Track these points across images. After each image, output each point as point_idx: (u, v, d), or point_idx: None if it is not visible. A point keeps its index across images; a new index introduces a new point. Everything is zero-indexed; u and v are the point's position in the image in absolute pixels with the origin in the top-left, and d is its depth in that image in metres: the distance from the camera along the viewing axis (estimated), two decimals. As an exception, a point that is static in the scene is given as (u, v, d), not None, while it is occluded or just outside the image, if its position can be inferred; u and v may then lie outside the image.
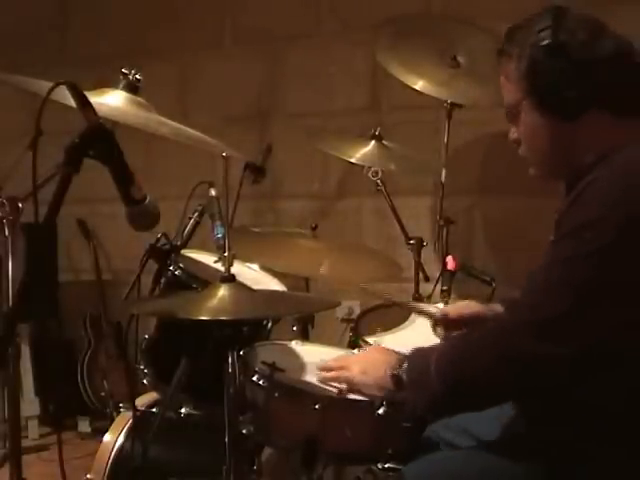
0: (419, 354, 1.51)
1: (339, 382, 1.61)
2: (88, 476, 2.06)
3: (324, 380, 1.64)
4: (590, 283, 1.32)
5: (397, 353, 1.59)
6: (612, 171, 1.37)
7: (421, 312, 2.02)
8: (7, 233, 1.49)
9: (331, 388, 1.61)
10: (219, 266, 1.73)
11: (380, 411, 1.53)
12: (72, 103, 1.39)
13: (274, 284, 2.23)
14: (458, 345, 1.49)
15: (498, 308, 1.80)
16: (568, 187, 1.46)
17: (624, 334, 1.33)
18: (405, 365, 1.50)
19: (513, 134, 1.54)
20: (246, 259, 2.21)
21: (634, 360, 1.36)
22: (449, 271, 2.50)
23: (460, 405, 1.47)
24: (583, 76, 1.39)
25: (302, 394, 1.60)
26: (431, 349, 1.49)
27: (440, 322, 1.85)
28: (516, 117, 1.50)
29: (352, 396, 1.59)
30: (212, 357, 1.79)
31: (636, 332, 1.33)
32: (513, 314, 1.44)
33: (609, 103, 1.42)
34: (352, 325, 2.24)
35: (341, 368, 1.63)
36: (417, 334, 2.08)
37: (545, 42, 1.40)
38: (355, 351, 1.88)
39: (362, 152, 2.58)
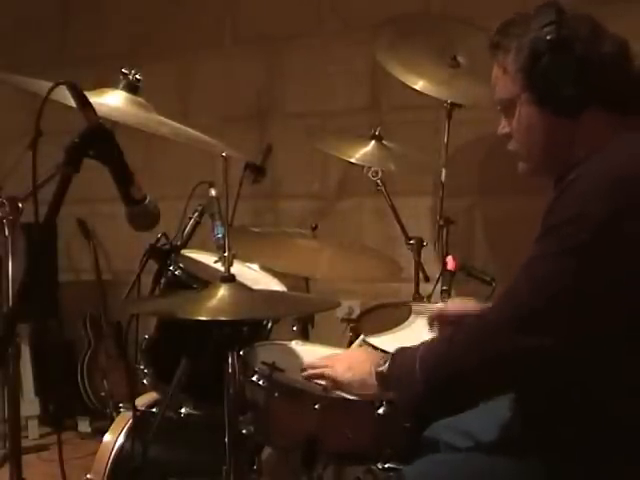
0: (403, 353, 1.51)
1: (323, 379, 1.60)
2: (88, 476, 2.06)
3: (308, 377, 1.63)
4: (573, 278, 1.32)
5: (381, 352, 1.59)
6: (596, 167, 1.37)
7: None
8: (7, 233, 1.49)
9: (316, 385, 1.61)
10: (219, 266, 1.73)
11: (380, 411, 1.53)
12: (72, 103, 1.39)
13: (274, 284, 2.23)
14: (442, 345, 1.48)
15: None
16: (556, 183, 1.46)
17: (610, 328, 1.33)
18: (388, 364, 1.50)
19: (504, 128, 1.54)
20: (246, 259, 2.21)
21: (631, 359, 1.36)
22: (449, 271, 2.50)
23: (445, 405, 1.47)
24: (585, 73, 1.39)
25: (302, 394, 1.60)
26: (416, 348, 1.48)
27: (436, 319, 1.84)
28: (510, 111, 1.49)
29: (348, 396, 1.59)
30: (212, 357, 1.79)
31: (623, 327, 1.33)
32: (496, 311, 1.44)
33: (608, 101, 1.42)
34: (352, 325, 2.24)
35: (325, 366, 1.63)
36: (417, 334, 2.08)
37: (549, 37, 1.40)
38: (339, 350, 1.88)
39: (362, 152, 2.58)
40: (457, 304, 1.85)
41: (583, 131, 1.43)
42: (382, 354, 1.58)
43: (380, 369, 1.51)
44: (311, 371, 1.64)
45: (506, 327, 1.35)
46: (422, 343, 1.50)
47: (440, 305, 1.93)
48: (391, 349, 1.79)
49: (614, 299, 1.32)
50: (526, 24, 1.44)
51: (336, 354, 1.76)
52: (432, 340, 1.50)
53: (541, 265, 1.36)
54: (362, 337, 1.88)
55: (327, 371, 1.61)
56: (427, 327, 1.87)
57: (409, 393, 1.44)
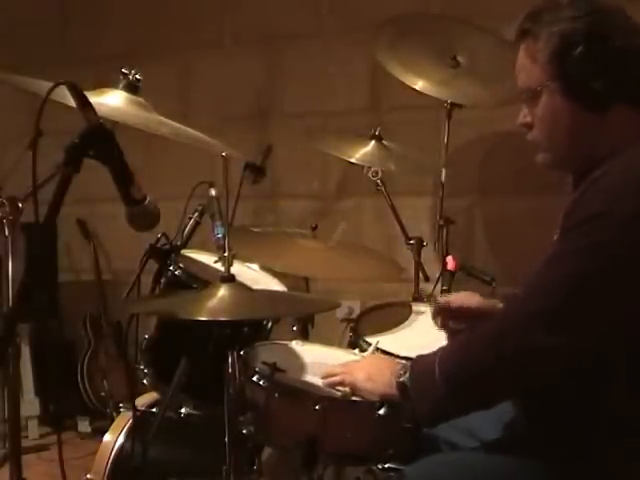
0: (422, 360, 1.50)
1: (343, 386, 1.60)
2: (88, 476, 2.06)
3: (329, 384, 1.63)
4: (593, 276, 1.31)
5: (399, 361, 1.58)
6: (622, 165, 1.35)
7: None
8: (7, 233, 1.49)
9: (335, 391, 1.61)
10: (219, 266, 1.73)
11: (381, 412, 1.53)
12: (72, 103, 1.39)
13: (274, 284, 2.22)
14: (460, 346, 1.48)
15: (499, 304, 1.79)
16: (576, 180, 1.44)
17: (629, 328, 1.32)
18: (409, 372, 1.49)
19: (525, 117, 1.50)
20: (246, 259, 2.21)
21: (635, 356, 1.36)
22: (449, 271, 2.50)
23: (467, 406, 1.46)
24: (618, 68, 1.37)
25: (303, 394, 1.60)
26: (434, 354, 1.47)
27: (441, 311, 1.84)
28: (534, 99, 1.45)
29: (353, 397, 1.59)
30: (212, 357, 1.79)
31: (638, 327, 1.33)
32: (515, 309, 1.43)
33: (635, 98, 1.40)
34: (352, 325, 2.23)
35: (345, 373, 1.62)
36: (417, 334, 2.08)
37: (584, 27, 1.37)
38: (358, 356, 1.87)
39: (362, 152, 2.58)
40: (461, 297, 1.84)
41: (609, 127, 1.41)
42: (401, 363, 1.57)
43: (401, 379, 1.49)
44: (331, 379, 1.64)
45: (525, 325, 1.34)
46: (440, 348, 1.49)
47: (444, 298, 1.91)
48: (392, 349, 1.80)
49: (635, 299, 1.31)
50: (557, 12, 1.41)
51: (354, 361, 1.75)
52: (450, 344, 1.50)
53: (563, 263, 1.35)
54: (376, 343, 1.86)
55: (347, 377, 1.60)
56: (430, 328, 1.86)
57: (431, 399, 1.43)
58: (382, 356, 1.80)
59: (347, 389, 1.59)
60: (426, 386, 1.44)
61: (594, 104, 1.40)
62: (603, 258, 1.31)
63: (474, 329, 1.51)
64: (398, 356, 1.79)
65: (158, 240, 2.06)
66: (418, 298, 2.61)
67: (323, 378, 1.65)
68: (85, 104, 1.37)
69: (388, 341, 1.89)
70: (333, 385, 1.62)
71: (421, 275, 2.69)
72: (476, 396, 1.42)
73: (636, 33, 1.41)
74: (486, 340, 1.41)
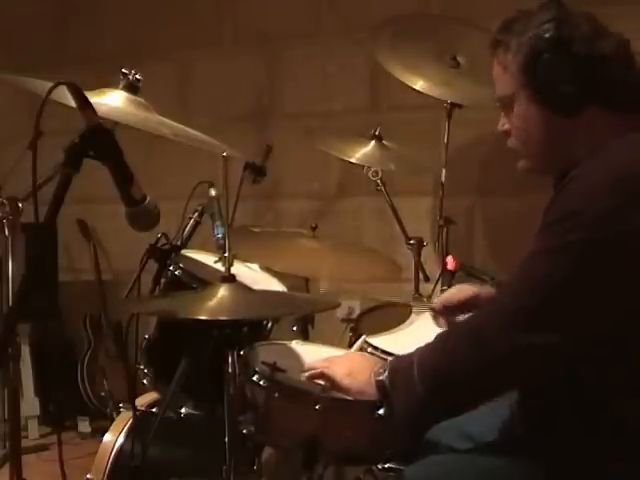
0: (401, 360, 1.50)
1: (323, 379, 1.60)
2: (88, 476, 2.06)
3: (309, 377, 1.63)
4: (568, 275, 1.32)
5: (381, 359, 1.58)
6: (597, 165, 1.37)
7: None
8: (7, 233, 1.49)
9: (316, 384, 1.60)
10: (219, 266, 1.73)
11: (380, 412, 1.52)
12: (72, 103, 1.39)
13: (274, 284, 2.23)
14: (439, 346, 1.47)
15: (492, 290, 1.80)
16: (556, 182, 1.46)
17: (612, 325, 1.33)
18: (387, 371, 1.48)
19: (503, 125, 1.53)
20: (246, 259, 2.21)
21: (635, 357, 1.36)
22: (449, 271, 2.50)
23: (445, 407, 1.46)
24: (584, 72, 1.39)
25: (303, 394, 1.60)
26: (412, 354, 1.47)
27: (440, 313, 1.83)
28: (509, 108, 1.49)
29: (345, 396, 1.58)
30: (212, 357, 1.79)
31: (625, 324, 1.33)
32: (494, 308, 1.44)
33: (607, 100, 1.42)
34: (352, 325, 2.24)
35: (326, 367, 1.61)
36: (417, 334, 2.08)
37: (548, 35, 1.40)
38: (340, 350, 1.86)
39: (362, 152, 2.58)
40: (453, 293, 1.84)
41: (582, 130, 1.43)
42: (382, 361, 1.57)
43: (380, 378, 1.49)
44: (311, 372, 1.64)
45: (506, 327, 1.35)
46: (419, 348, 1.49)
47: (439, 299, 1.91)
48: (392, 349, 1.80)
49: (615, 295, 1.32)
50: (527, 22, 1.44)
51: (337, 355, 1.74)
52: (428, 343, 1.50)
53: (539, 262, 1.36)
54: (364, 338, 1.86)
55: (327, 371, 1.60)
56: (432, 322, 1.86)
57: (409, 400, 1.43)
58: (366, 354, 1.79)
59: (327, 383, 1.58)
60: (404, 386, 1.44)
61: (564, 109, 1.42)
62: (577, 257, 1.32)
63: (453, 327, 1.51)
64: (390, 354, 1.78)
65: (158, 240, 2.06)
66: (418, 298, 2.61)
67: (304, 372, 1.65)
68: (85, 104, 1.38)
69: (388, 341, 1.89)
70: (312, 378, 1.61)
71: (421, 275, 2.69)
72: (454, 397, 1.42)
73: (601, 37, 1.42)
74: (464, 340, 1.41)
